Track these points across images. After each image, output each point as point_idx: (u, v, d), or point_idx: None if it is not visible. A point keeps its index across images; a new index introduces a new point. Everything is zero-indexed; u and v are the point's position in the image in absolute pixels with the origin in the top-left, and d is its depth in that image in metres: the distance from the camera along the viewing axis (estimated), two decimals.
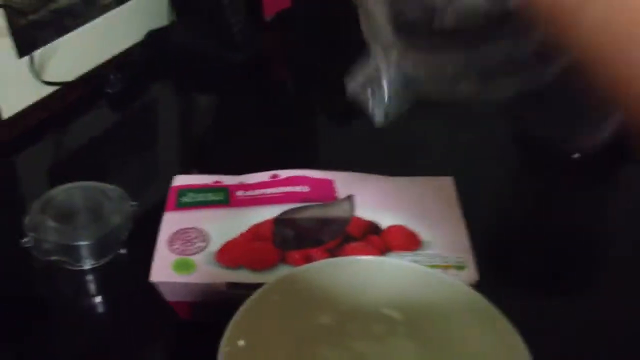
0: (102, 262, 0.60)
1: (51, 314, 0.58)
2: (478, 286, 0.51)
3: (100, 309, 0.59)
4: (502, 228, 0.67)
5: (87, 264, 0.59)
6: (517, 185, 0.73)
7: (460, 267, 0.52)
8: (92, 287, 0.60)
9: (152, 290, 0.53)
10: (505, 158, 0.75)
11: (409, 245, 0.54)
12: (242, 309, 0.46)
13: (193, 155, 0.76)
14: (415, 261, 0.52)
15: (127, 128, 0.80)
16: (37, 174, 0.73)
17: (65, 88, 0.81)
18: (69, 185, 0.62)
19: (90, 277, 0.60)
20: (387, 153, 0.75)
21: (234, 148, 0.76)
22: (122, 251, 0.61)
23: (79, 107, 0.82)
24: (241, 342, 0.45)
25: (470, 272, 0.52)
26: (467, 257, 0.53)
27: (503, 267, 0.62)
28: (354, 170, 0.61)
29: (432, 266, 0.51)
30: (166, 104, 0.84)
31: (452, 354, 0.47)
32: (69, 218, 0.59)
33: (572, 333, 0.56)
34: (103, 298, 0.59)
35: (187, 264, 0.52)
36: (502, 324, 0.45)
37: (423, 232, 0.55)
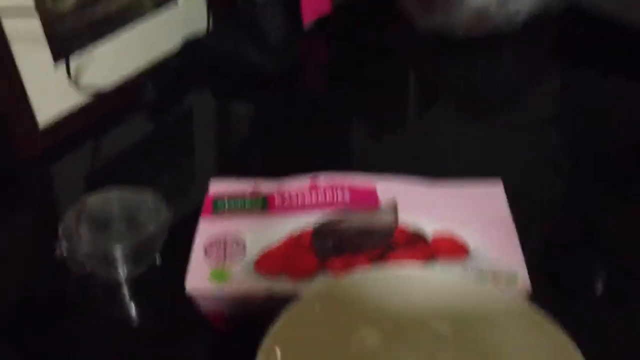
0: (137, 271, 0.58)
1: (85, 325, 0.56)
2: (530, 297, 0.48)
3: (135, 320, 0.57)
4: (555, 236, 0.63)
5: (122, 274, 0.58)
6: (571, 193, 0.69)
7: (511, 278, 0.49)
8: (127, 297, 0.58)
9: (187, 300, 0.51)
10: (559, 163, 0.72)
11: (457, 254, 0.51)
12: (280, 319, 0.44)
13: (230, 163, 0.75)
14: (463, 272, 0.49)
15: (164, 136, 0.79)
16: (73, 183, 0.71)
17: (103, 96, 0.80)
18: (104, 192, 0.60)
19: (125, 287, 0.58)
20: (430, 158, 0.72)
21: (271, 157, 0.75)
22: (158, 260, 0.59)
23: (115, 115, 0.81)
24: (278, 353, 0.42)
25: (522, 283, 0.49)
26: (519, 267, 0.50)
27: (556, 277, 0.59)
28: (396, 175, 0.59)
29: (482, 276, 0.49)
30: (203, 112, 0.83)
31: None
32: (103, 226, 0.58)
33: (627, 347, 0.52)
34: (138, 309, 0.57)
35: (223, 273, 0.50)
36: (556, 336, 0.42)
37: (471, 240, 0.52)
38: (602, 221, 0.65)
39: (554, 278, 0.59)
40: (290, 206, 0.56)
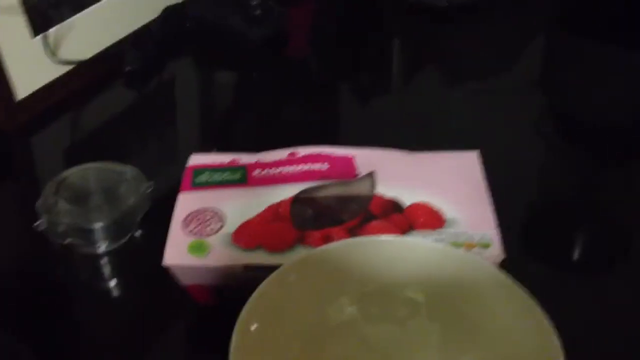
0: (117, 244, 0.58)
1: (65, 297, 0.57)
2: (503, 264, 0.48)
3: (116, 293, 0.57)
4: (529, 205, 0.64)
5: (102, 247, 0.58)
6: (546, 162, 0.70)
7: (485, 245, 0.49)
8: (107, 270, 0.58)
9: (168, 273, 0.51)
10: (534, 134, 0.72)
11: (433, 223, 0.52)
12: (257, 291, 0.44)
13: (211, 133, 0.75)
14: (439, 240, 0.50)
15: (145, 106, 0.78)
16: (53, 156, 0.71)
17: (81, 67, 0.79)
18: (83, 166, 0.60)
19: (105, 260, 0.58)
20: (409, 129, 0.73)
21: (253, 125, 0.75)
22: (138, 233, 0.60)
23: (96, 86, 0.80)
24: (255, 326, 0.43)
25: (496, 250, 0.49)
26: (493, 234, 0.50)
27: (529, 245, 0.60)
28: (375, 147, 0.59)
29: (457, 244, 0.49)
30: (184, 81, 0.82)
31: (476, 334, 0.45)
32: (83, 199, 0.58)
33: (598, 313, 0.53)
34: (118, 281, 0.58)
35: (202, 246, 0.51)
36: (527, 303, 0.42)
37: (447, 209, 0.52)
38: (583, 189, 0.65)
39: (527, 246, 0.59)
40: (269, 178, 0.56)
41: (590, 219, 0.62)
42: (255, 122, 0.75)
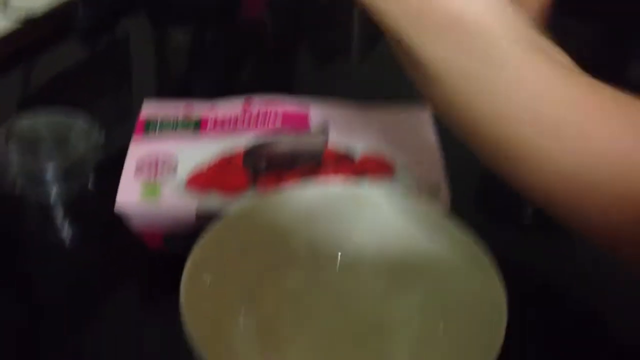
0: (69, 193, 0.58)
1: (17, 246, 0.56)
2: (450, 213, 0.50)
3: (68, 241, 0.57)
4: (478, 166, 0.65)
5: (54, 195, 0.57)
6: None
7: (433, 193, 0.51)
8: (59, 218, 0.58)
9: (120, 221, 0.51)
10: None
11: (383, 172, 0.53)
12: (207, 234, 0.45)
13: (165, 89, 0.74)
14: (387, 186, 0.51)
15: (98, 63, 0.78)
16: (3, 108, 0.70)
17: (32, 21, 0.78)
18: (35, 113, 0.60)
19: (57, 209, 0.58)
20: (364, 85, 0.73)
21: (207, 83, 0.75)
22: (90, 183, 0.60)
23: (47, 43, 0.79)
24: (205, 275, 0.43)
25: (443, 198, 0.51)
26: (441, 183, 0.52)
27: (478, 199, 0.61)
28: (328, 101, 0.60)
29: (405, 192, 0.50)
30: (138, 39, 0.82)
31: (421, 278, 0.46)
32: (33, 147, 0.57)
33: (546, 266, 0.55)
34: (71, 230, 0.58)
35: (154, 191, 0.51)
36: (472, 247, 0.44)
37: (398, 160, 0.54)
38: None
39: (476, 201, 0.61)
40: (222, 128, 0.56)
41: None
42: (209, 80, 0.75)
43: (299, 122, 0.57)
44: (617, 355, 0.49)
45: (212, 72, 0.77)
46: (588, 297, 0.53)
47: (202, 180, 0.52)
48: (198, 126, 0.56)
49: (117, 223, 0.51)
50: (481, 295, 0.42)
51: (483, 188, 0.63)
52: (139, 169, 0.52)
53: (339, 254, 0.48)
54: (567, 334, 0.50)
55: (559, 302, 0.52)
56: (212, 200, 0.50)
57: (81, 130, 0.58)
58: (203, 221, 0.49)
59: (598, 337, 0.50)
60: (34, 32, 0.78)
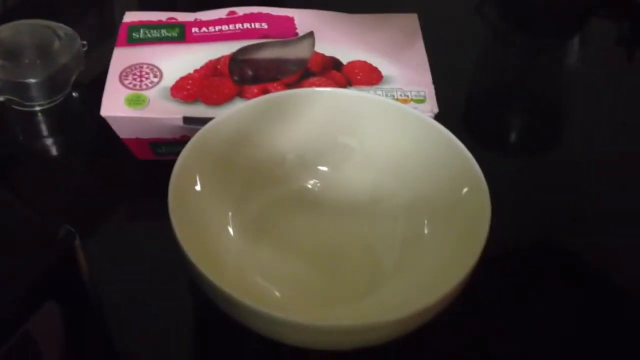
0: (53, 102, 0.58)
1: (1, 156, 0.56)
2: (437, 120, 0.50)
3: (54, 150, 0.57)
4: (466, 70, 0.65)
5: (37, 104, 0.57)
6: (493, 40, 0.71)
7: (419, 100, 0.51)
8: (44, 127, 0.58)
9: (106, 129, 0.51)
10: (484, 12, 0.73)
11: (370, 80, 0.52)
12: (192, 142, 0.45)
13: (146, 3, 0.72)
14: (375, 94, 0.51)
15: None
16: None
17: None
18: (15, 22, 0.58)
19: (42, 117, 0.58)
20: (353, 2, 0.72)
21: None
22: (74, 93, 0.59)
23: None
24: (193, 180, 0.44)
25: (430, 105, 0.51)
26: (428, 91, 0.51)
27: (464, 108, 0.61)
28: (314, 9, 0.59)
29: (393, 98, 0.50)
30: None
31: (406, 177, 0.47)
32: (16, 55, 0.56)
33: (526, 190, 0.55)
34: (55, 139, 0.57)
35: (139, 98, 0.50)
36: (459, 151, 0.44)
37: (385, 67, 0.53)
38: (522, 69, 0.67)
39: (462, 109, 0.61)
40: (207, 35, 0.56)
41: (524, 100, 0.64)
42: None
43: (285, 30, 0.56)
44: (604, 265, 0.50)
45: None
46: (573, 210, 0.53)
47: (187, 88, 0.51)
48: (182, 33, 0.56)
49: (103, 131, 0.51)
50: (466, 199, 0.43)
51: (470, 96, 0.63)
52: (123, 77, 0.52)
53: (326, 157, 0.49)
54: (548, 248, 0.51)
55: (541, 215, 0.53)
56: (198, 109, 0.50)
57: (63, 39, 0.57)
58: (188, 128, 0.49)
59: (579, 249, 0.51)
60: None
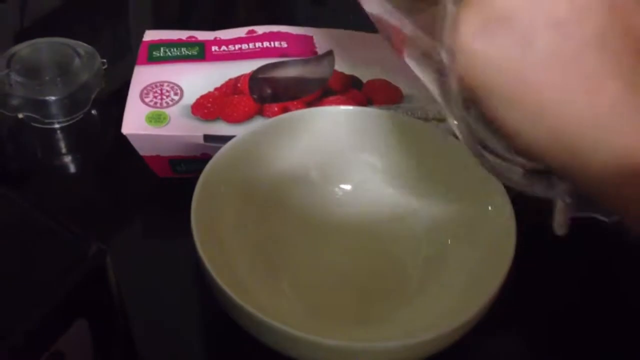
0: (72, 120, 0.58)
1: (21, 173, 0.56)
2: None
3: (72, 168, 0.57)
4: None
5: (57, 122, 0.57)
6: None
7: (440, 120, 0.51)
8: (63, 144, 0.58)
9: (127, 147, 0.51)
10: None
11: (391, 98, 0.52)
12: (214, 159, 0.45)
13: (167, 14, 0.73)
14: (395, 110, 0.51)
15: None
16: (2, 33, 0.69)
17: None
18: (35, 40, 0.59)
19: (60, 135, 0.58)
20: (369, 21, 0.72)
21: (207, 8, 0.73)
22: (94, 111, 0.59)
23: None
24: (215, 195, 0.43)
25: (450, 124, 0.50)
26: None
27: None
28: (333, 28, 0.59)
29: (413, 118, 0.50)
30: None
31: (430, 199, 0.47)
32: (36, 73, 0.56)
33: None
34: (75, 156, 0.57)
35: (160, 116, 0.51)
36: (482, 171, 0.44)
37: (405, 86, 0.53)
38: None
39: None
40: (227, 54, 0.56)
41: None
42: (212, 3, 0.74)
43: (305, 48, 0.56)
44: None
45: (211, 5, 0.76)
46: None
47: (208, 105, 0.51)
48: (203, 52, 0.56)
49: (123, 150, 0.51)
50: (490, 218, 0.42)
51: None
52: (144, 94, 0.52)
53: (348, 175, 0.49)
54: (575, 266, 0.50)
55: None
56: (219, 126, 0.50)
57: (83, 57, 0.57)
58: (209, 146, 0.49)
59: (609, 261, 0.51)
60: None
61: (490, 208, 0.43)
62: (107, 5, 0.74)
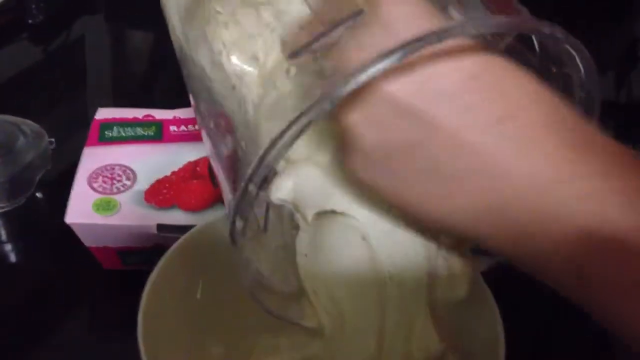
0: (15, 204, 0.53)
1: None
2: None
3: (13, 257, 0.52)
4: None
5: None
6: None
7: None
8: (3, 232, 0.53)
9: (71, 235, 0.46)
10: None
11: None
12: (169, 253, 0.40)
13: (123, 93, 0.69)
14: None
15: (50, 62, 0.72)
16: None
17: None
18: None
19: (0, 221, 0.53)
20: None
21: (167, 85, 0.70)
22: (38, 194, 0.54)
23: None
24: (168, 295, 0.38)
25: None
26: None
27: None
28: None
29: None
30: (93, 37, 0.76)
31: None
32: None
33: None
34: (15, 244, 0.52)
35: (109, 203, 0.46)
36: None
37: None
38: None
39: None
40: (187, 134, 0.52)
41: None
42: (169, 81, 0.70)
43: None
44: None
45: (173, 77, 0.72)
46: None
47: (163, 192, 0.47)
48: (160, 131, 0.52)
49: (67, 237, 0.46)
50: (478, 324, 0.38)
51: None
52: (92, 179, 0.47)
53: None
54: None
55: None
56: (175, 215, 0.45)
57: (28, 136, 0.53)
58: (162, 237, 0.45)
59: None
60: None
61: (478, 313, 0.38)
62: (64, 81, 0.70)
